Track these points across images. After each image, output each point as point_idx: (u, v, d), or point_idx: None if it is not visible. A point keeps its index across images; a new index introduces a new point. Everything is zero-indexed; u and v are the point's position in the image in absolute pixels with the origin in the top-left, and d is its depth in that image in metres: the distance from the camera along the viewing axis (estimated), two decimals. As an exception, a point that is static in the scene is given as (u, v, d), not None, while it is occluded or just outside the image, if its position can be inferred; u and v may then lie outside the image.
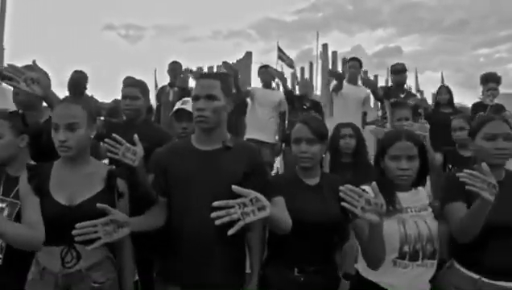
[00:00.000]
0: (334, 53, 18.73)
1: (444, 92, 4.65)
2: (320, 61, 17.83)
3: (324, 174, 1.95)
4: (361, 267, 1.76)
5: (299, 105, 4.49)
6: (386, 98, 4.53)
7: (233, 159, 1.78)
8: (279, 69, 16.81)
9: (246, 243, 1.92)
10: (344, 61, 4.50)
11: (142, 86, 2.52)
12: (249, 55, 18.89)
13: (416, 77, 12.79)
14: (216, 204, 1.34)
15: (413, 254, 1.69)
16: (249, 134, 4.46)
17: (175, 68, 4.66)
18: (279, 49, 17.81)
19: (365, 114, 4.52)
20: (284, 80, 4.36)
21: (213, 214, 1.32)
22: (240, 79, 4.55)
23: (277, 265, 1.85)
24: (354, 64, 4.55)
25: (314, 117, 1.96)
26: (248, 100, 4.71)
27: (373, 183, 1.50)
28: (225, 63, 4.19)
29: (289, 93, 4.45)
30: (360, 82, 4.63)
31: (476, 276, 1.71)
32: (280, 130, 4.65)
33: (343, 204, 1.44)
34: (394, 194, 1.74)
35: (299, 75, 17.12)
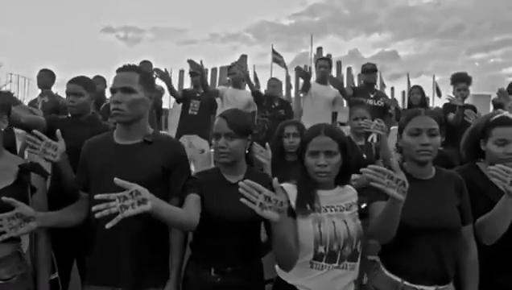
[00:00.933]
0: (328, 56, 18.81)
1: (416, 92, 4.62)
2: (314, 64, 17.83)
3: (250, 171, 1.89)
4: (279, 269, 1.70)
5: (268, 104, 4.46)
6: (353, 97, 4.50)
7: (152, 153, 1.76)
8: (275, 72, 16.93)
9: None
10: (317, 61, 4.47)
11: (85, 82, 2.49)
12: (244, 58, 18.87)
13: (408, 82, 12.74)
14: (97, 197, 1.30)
15: (330, 255, 1.61)
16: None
17: (145, 67, 4.63)
18: (274, 52, 17.87)
19: (335, 114, 4.47)
20: (249, 80, 4.32)
21: (94, 208, 1.28)
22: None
23: (196, 266, 1.80)
24: (324, 63, 4.52)
25: (236, 111, 1.91)
26: (218, 99, 4.69)
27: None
28: (190, 61, 4.16)
29: (256, 93, 4.41)
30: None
31: (398, 279, 1.66)
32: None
33: (242, 200, 1.37)
34: (314, 192, 1.67)
35: (293, 78, 17.13)
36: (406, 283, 1.65)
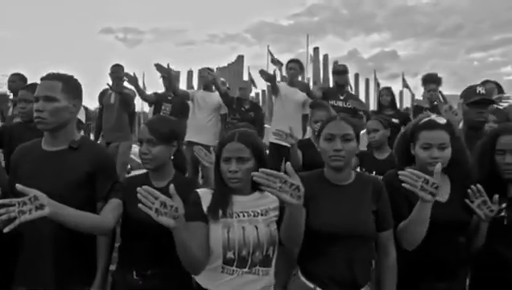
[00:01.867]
0: (325, 56, 18.80)
1: (386, 93, 4.60)
2: (311, 64, 17.85)
3: (177, 176, 1.91)
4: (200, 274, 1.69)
5: (238, 107, 4.47)
6: (324, 100, 4.48)
7: (76, 159, 1.79)
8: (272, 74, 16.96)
9: None
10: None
11: (34, 89, 2.52)
12: (240, 59, 18.98)
13: (403, 81, 12.70)
14: (0, 201, 1.34)
15: (240, 260, 1.61)
16: (189, 136, 4.43)
17: (116, 71, 4.67)
18: (270, 53, 17.93)
19: (305, 117, 4.46)
20: (216, 84, 4.33)
21: None
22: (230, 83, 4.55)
23: (122, 269, 1.84)
24: (294, 65, 4.51)
25: (159, 118, 1.93)
26: (190, 102, 4.71)
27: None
28: (156, 65, 4.19)
29: (225, 96, 4.42)
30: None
31: (311, 285, 1.66)
32: (221, 132, 4.62)
33: (139, 205, 1.39)
34: (228, 198, 1.67)
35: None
36: (318, 289, 1.65)
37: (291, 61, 4.53)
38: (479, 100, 2.52)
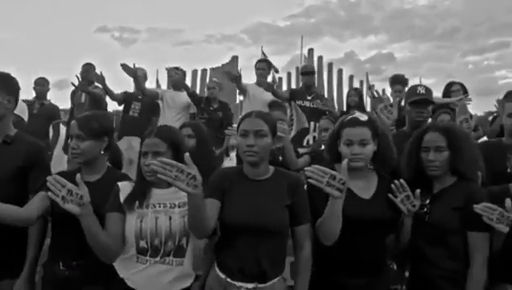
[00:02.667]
0: (320, 58, 18.71)
1: (354, 94, 4.62)
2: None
3: (109, 170, 1.98)
4: (117, 263, 1.74)
5: (206, 106, 4.50)
6: (292, 100, 4.52)
7: (9, 153, 1.89)
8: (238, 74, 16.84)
9: None
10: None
11: None
12: (234, 59, 18.92)
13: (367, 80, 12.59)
14: None
15: (153, 250, 1.69)
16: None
17: (87, 70, 4.71)
18: (263, 54, 17.91)
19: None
20: (183, 84, 4.36)
21: None
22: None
23: (50, 260, 1.90)
24: (261, 65, 4.54)
25: (89, 114, 1.97)
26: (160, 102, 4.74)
27: None
28: (123, 65, 4.22)
29: (192, 96, 4.45)
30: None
31: (222, 276, 1.70)
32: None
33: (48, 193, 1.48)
34: (147, 190, 1.75)
35: (285, 79, 17.12)
36: (228, 279, 1.68)
37: (259, 61, 4.56)
38: (418, 100, 2.55)
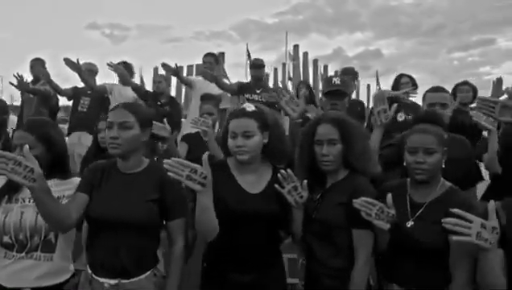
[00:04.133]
0: (305, 54, 18.67)
1: (304, 88, 4.56)
2: (289, 62, 17.74)
3: None
4: None
5: (153, 101, 4.43)
6: (240, 93, 4.46)
7: None
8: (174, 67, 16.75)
9: None
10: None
11: None
12: (221, 56, 18.80)
13: (377, 79, 12.64)
14: None
15: (19, 244, 1.66)
16: (107, 130, 4.43)
17: (34, 65, 4.63)
18: (248, 51, 17.84)
19: (223, 111, 4.42)
20: (124, 78, 4.27)
21: None
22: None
23: None
24: (208, 59, 4.47)
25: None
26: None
27: None
28: (65, 60, 4.15)
29: (137, 90, 4.38)
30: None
31: (89, 271, 1.68)
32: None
33: None
34: (14, 184, 1.68)
35: (271, 75, 17.07)
36: (93, 275, 1.65)
37: (205, 55, 4.49)
38: (332, 90, 2.49)
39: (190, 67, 16.83)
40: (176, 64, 3.96)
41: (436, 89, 2.56)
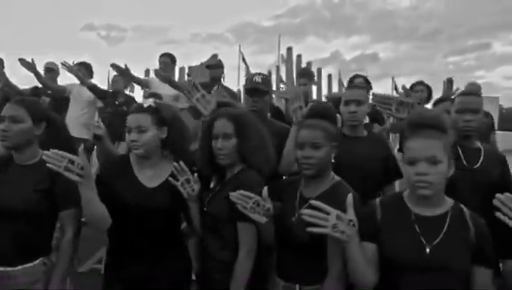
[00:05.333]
0: (299, 57, 18.67)
1: None
2: (283, 64, 17.74)
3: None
4: None
5: (112, 100, 4.44)
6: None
7: None
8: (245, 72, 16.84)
9: None
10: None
11: None
12: (214, 57, 18.77)
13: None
14: None
15: None
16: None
17: (-5, 64, 4.65)
18: (242, 54, 17.85)
19: (181, 111, 4.41)
20: (80, 78, 4.27)
21: None
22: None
23: None
24: (164, 59, 4.47)
25: None
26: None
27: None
28: (20, 60, 4.16)
29: (92, 89, 4.39)
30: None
31: None
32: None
33: None
34: None
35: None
36: None
37: (161, 55, 4.49)
38: (251, 88, 2.48)
39: (182, 69, 16.90)
40: (126, 65, 3.96)
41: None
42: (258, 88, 2.46)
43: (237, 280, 1.67)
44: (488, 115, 4.05)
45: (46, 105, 4.60)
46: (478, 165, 2.12)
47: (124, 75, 4.08)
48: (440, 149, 1.39)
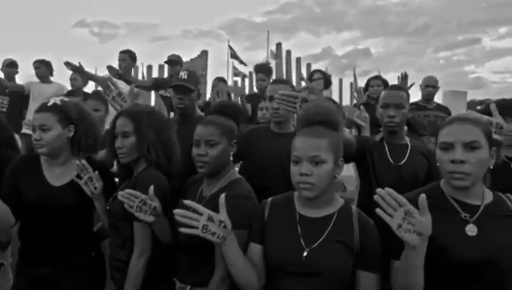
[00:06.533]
0: (288, 52, 18.61)
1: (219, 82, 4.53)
2: (272, 60, 17.67)
3: None
4: None
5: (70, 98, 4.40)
6: (156, 90, 4.45)
7: None
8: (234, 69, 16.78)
9: None
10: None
11: None
12: (203, 54, 18.85)
13: (355, 78, 12.55)
14: None
15: None
16: (24, 128, 4.44)
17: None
18: (230, 48, 17.77)
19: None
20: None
21: None
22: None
23: None
24: (123, 56, 4.42)
25: None
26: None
27: None
28: None
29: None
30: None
31: None
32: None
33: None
34: None
35: (254, 75, 17.01)
36: None
37: (121, 52, 4.44)
38: (176, 85, 2.44)
39: (161, 67, 16.82)
40: (80, 63, 3.92)
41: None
42: (182, 85, 2.42)
43: (128, 280, 1.63)
44: (446, 110, 4.03)
45: (6, 105, 4.59)
46: (404, 161, 2.09)
47: (78, 72, 4.03)
48: (324, 148, 1.32)
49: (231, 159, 1.71)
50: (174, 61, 4.41)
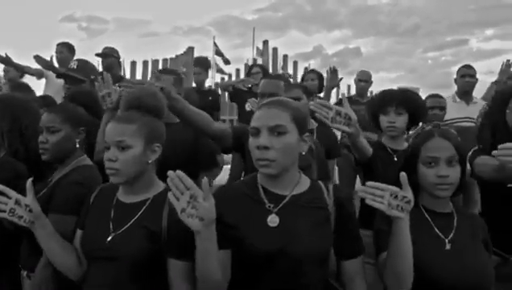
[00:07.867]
0: (275, 50, 18.57)
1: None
2: (259, 57, 17.63)
3: None
4: None
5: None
6: (120, 86, 4.39)
7: None
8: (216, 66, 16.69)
9: None
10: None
11: None
12: (190, 50, 18.83)
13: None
14: None
15: None
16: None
17: None
18: (215, 45, 17.73)
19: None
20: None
21: None
22: None
23: None
24: (60, 48, 4.35)
25: None
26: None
27: None
28: None
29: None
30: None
31: None
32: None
33: None
34: None
35: (242, 71, 16.96)
36: None
37: (58, 44, 4.38)
38: (63, 74, 2.43)
39: (155, 62, 16.77)
40: (6, 54, 3.86)
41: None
42: (68, 74, 2.40)
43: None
44: None
45: None
46: None
47: (6, 64, 3.98)
48: (131, 134, 1.31)
49: (77, 145, 1.68)
50: (106, 54, 4.34)
